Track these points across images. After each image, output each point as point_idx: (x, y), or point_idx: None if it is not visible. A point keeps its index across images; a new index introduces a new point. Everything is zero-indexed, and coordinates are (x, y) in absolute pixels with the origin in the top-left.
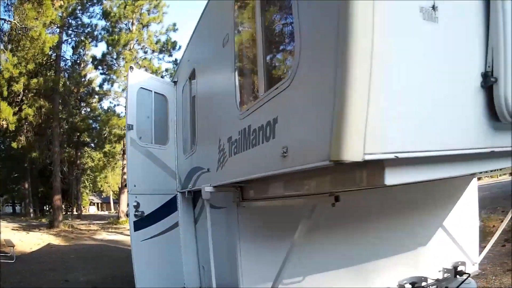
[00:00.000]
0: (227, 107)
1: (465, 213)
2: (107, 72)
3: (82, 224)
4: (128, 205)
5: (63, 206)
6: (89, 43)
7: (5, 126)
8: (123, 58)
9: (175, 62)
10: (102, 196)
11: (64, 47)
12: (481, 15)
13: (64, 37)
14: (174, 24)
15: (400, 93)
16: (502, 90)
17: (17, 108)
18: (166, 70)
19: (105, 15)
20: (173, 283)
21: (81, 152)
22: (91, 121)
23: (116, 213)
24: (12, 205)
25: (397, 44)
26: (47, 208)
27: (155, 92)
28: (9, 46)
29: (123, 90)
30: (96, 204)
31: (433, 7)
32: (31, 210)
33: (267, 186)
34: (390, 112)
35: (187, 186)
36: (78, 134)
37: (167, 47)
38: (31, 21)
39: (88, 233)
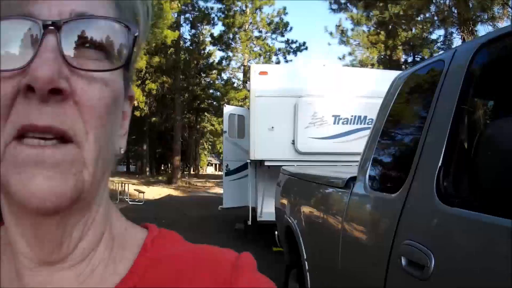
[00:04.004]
0: None
1: None
2: (224, 50)
3: (199, 181)
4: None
5: (180, 165)
6: (205, 25)
7: (136, 104)
8: (239, 38)
9: (287, 42)
10: (221, 158)
11: (183, 28)
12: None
13: (182, 20)
14: (285, 8)
15: (265, 143)
16: (296, 145)
17: (139, 82)
18: (279, 49)
19: None
20: (243, 202)
21: (200, 118)
22: (211, 90)
23: None
24: (127, 164)
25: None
26: (163, 168)
27: (238, 114)
28: None
29: (239, 67)
30: (214, 165)
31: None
32: (147, 169)
33: None
34: (260, 147)
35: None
36: (199, 102)
37: (280, 28)
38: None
39: (203, 188)
